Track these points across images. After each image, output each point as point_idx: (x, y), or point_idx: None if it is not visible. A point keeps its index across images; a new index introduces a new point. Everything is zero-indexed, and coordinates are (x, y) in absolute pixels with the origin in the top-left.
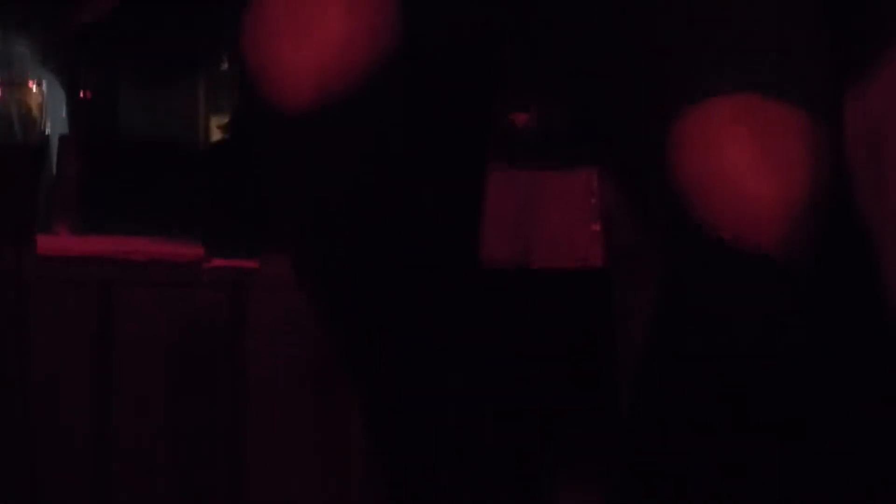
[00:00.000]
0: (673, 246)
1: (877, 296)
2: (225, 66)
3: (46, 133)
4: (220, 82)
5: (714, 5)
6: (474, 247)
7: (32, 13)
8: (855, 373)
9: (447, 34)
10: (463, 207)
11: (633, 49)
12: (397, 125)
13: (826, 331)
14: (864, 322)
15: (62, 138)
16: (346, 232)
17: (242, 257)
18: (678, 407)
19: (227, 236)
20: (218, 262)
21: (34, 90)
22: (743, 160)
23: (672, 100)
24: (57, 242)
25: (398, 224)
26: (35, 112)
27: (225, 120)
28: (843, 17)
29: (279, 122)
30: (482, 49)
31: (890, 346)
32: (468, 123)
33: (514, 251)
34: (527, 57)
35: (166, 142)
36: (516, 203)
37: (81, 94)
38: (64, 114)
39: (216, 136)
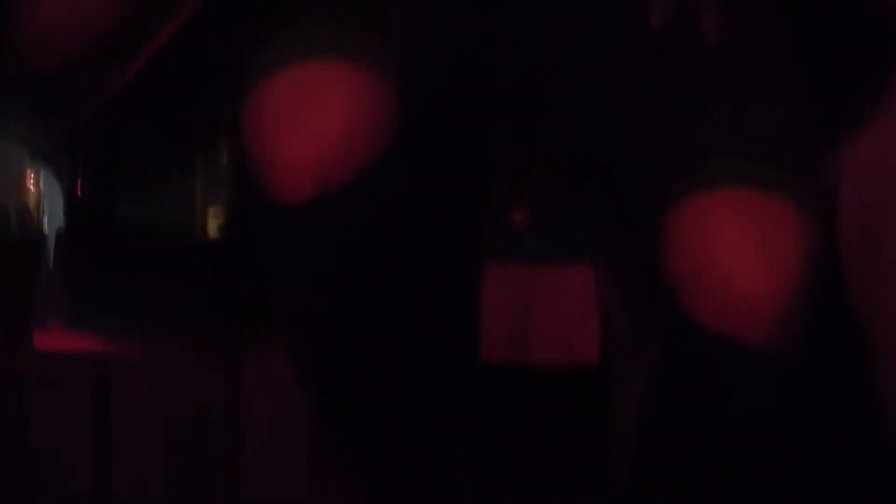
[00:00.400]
0: (666, 336)
1: (869, 381)
2: (223, 158)
3: (43, 228)
4: (217, 175)
5: (707, 104)
6: (469, 341)
7: (28, 111)
8: (848, 452)
9: (446, 126)
10: (458, 301)
11: (628, 145)
12: (393, 216)
13: (817, 413)
14: (855, 406)
15: (59, 233)
16: (340, 323)
17: (240, 350)
18: (673, 495)
19: (223, 329)
20: (214, 355)
21: (31, 185)
22: (734, 254)
23: (666, 193)
24: (53, 338)
25: (393, 316)
26: (32, 207)
27: (222, 212)
28: (837, 102)
29: (278, 213)
30: (480, 142)
31: (881, 427)
32: (464, 215)
33: (510, 347)
34: (524, 152)
35: (162, 235)
36: (513, 298)
37: (78, 190)
38: (61, 209)
39: (213, 228)
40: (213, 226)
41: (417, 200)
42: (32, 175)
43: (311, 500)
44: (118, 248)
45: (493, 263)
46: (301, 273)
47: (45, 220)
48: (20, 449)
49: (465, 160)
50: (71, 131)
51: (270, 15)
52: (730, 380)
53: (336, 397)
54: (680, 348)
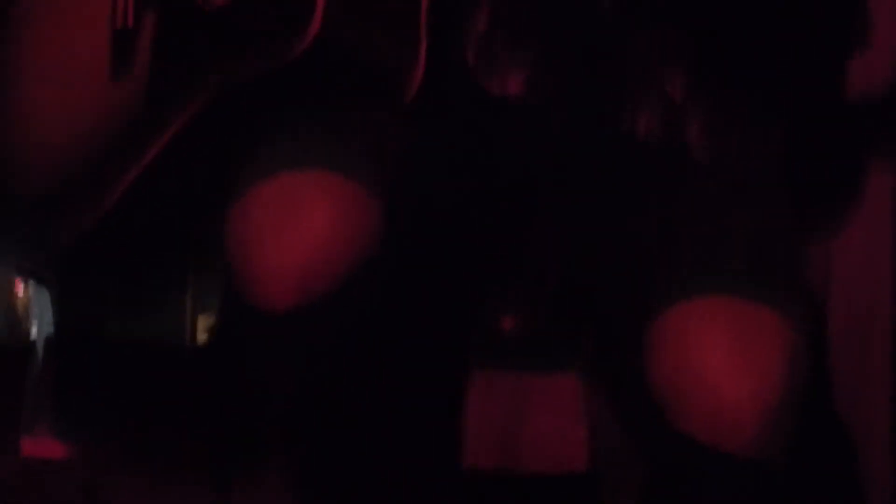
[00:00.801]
0: (652, 445)
1: (856, 490)
2: (213, 266)
3: (32, 335)
4: (207, 283)
5: (691, 214)
6: (457, 448)
7: (16, 226)
8: None
9: (435, 234)
10: (444, 409)
11: (613, 256)
12: (383, 322)
13: None
14: None
15: (48, 340)
16: (324, 431)
17: (228, 458)
18: None
19: (213, 436)
20: (202, 462)
21: (20, 292)
22: (718, 362)
23: (649, 302)
24: (40, 445)
25: (382, 424)
26: (21, 313)
27: (212, 320)
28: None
29: (261, 321)
30: (470, 251)
31: None
32: (453, 323)
33: (498, 455)
34: (513, 263)
35: (151, 343)
36: (501, 406)
37: (68, 296)
38: (49, 315)
39: (202, 336)
40: (202, 335)
41: (406, 308)
42: (21, 282)
43: None
44: (106, 356)
45: (482, 371)
46: (286, 382)
47: (34, 326)
48: None
49: (454, 268)
50: (59, 245)
51: (259, 129)
52: (717, 488)
53: (320, 498)
54: (667, 457)
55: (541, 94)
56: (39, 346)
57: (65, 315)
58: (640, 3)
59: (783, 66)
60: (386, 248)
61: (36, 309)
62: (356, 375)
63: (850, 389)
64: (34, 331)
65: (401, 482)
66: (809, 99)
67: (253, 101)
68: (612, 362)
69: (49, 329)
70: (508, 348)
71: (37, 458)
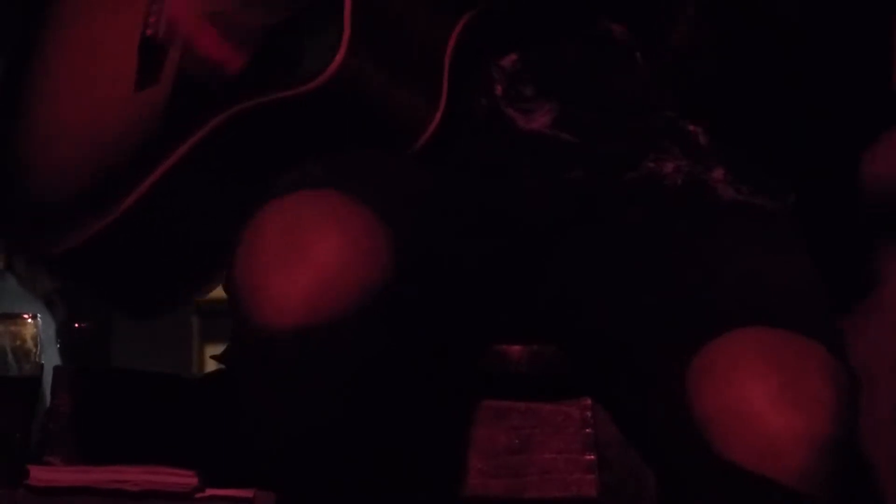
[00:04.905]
0: (690, 476)
1: None
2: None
3: (40, 364)
4: (214, 312)
5: (720, 252)
6: (459, 477)
7: (24, 253)
8: None
9: (446, 267)
10: (449, 435)
11: (642, 296)
12: (383, 351)
13: None
14: None
15: (56, 369)
16: (324, 459)
17: (237, 486)
18: None
19: (221, 465)
20: (212, 491)
21: (29, 322)
22: (764, 394)
23: (686, 339)
24: (50, 473)
25: (391, 451)
26: (29, 344)
27: (219, 349)
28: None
29: (265, 346)
30: (474, 281)
31: None
32: (456, 352)
33: (508, 482)
34: (525, 298)
35: (159, 371)
36: (510, 433)
37: (76, 326)
38: (58, 345)
39: (210, 365)
40: (210, 361)
41: (418, 337)
42: (30, 312)
43: None
44: (115, 384)
45: (492, 398)
46: (284, 406)
47: (43, 356)
48: None
49: (464, 294)
50: (66, 271)
51: (274, 159)
52: None
53: None
54: (707, 489)
55: (568, 131)
56: (48, 375)
57: (73, 344)
58: (668, 55)
59: (800, 114)
60: (397, 277)
61: (43, 338)
62: (363, 402)
63: (865, 433)
64: (42, 360)
65: None
66: (823, 148)
67: (271, 129)
68: (635, 391)
69: (57, 358)
70: (518, 376)
71: (45, 486)
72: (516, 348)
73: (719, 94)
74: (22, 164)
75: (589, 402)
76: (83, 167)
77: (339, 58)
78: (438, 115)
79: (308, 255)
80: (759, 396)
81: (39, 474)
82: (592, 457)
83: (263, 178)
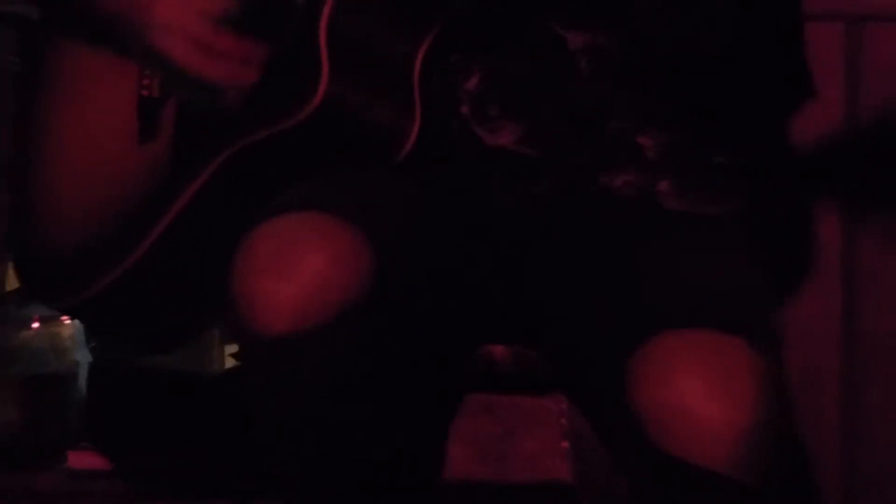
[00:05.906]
0: (634, 466)
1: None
2: None
3: (77, 361)
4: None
5: (666, 259)
6: (448, 463)
7: (44, 305)
8: None
9: (428, 277)
10: (433, 431)
11: (597, 298)
12: (370, 357)
13: None
14: None
15: (91, 366)
16: (316, 454)
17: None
18: None
19: (232, 458)
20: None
21: (66, 324)
22: (695, 389)
23: (630, 336)
24: (86, 458)
25: (370, 450)
26: (67, 343)
27: (238, 349)
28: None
29: (256, 348)
30: (461, 293)
31: None
32: (439, 355)
33: (490, 467)
34: (504, 302)
35: (181, 370)
36: (494, 424)
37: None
38: (91, 345)
39: (229, 364)
40: (229, 363)
41: (405, 341)
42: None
43: None
44: (141, 380)
45: (477, 393)
46: (277, 408)
47: (78, 353)
48: None
49: (451, 309)
50: (86, 318)
51: (270, 182)
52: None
53: None
54: (649, 474)
55: (532, 147)
56: (83, 371)
57: (101, 346)
58: (614, 67)
59: (742, 123)
60: (381, 287)
61: (80, 338)
62: (352, 399)
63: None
64: (79, 357)
65: (395, 496)
66: (766, 153)
67: (268, 159)
68: (593, 388)
69: (90, 357)
70: (501, 373)
71: (82, 469)
72: (499, 348)
73: (667, 106)
74: (37, 223)
75: (564, 396)
76: (97, 220)
77: (322, 85)
78: (416, 126)
79: (295, 271)
80: (689, 392)
81: (77, 459)
82: (567, 444)
83: (263, 204)
